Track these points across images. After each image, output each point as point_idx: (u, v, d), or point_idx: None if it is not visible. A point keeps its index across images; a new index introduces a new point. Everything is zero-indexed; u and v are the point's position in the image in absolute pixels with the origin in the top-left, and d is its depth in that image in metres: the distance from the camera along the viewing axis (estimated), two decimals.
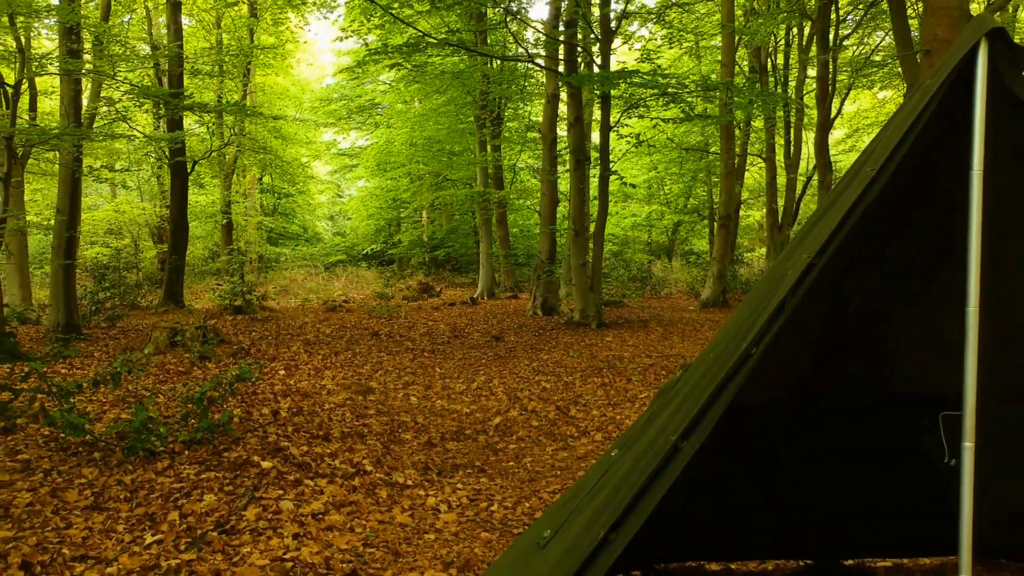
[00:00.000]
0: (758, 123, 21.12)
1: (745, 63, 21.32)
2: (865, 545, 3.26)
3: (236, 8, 20.25)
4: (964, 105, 1.92)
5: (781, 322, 1.89)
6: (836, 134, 28.48)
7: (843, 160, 30.01)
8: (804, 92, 20.12)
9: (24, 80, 10.70)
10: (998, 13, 14.50)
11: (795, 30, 20.03)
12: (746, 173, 24.72)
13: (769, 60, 20.99)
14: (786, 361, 2.48)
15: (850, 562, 3.36)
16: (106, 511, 4.04)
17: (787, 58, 21.17)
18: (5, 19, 10.00)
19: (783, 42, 21.09)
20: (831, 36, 18.06)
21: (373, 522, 3.97)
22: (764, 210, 22.90)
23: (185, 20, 19.20)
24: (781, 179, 21.55)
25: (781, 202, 20.87)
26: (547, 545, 2.00)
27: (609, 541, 1.81)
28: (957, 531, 2.65)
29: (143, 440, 4.89)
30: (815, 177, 18.84)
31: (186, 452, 4.99)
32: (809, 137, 22.57)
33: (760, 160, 23.36)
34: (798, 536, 3.17)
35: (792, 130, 20.45)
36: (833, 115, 20.90)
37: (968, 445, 1.94)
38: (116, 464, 4.76)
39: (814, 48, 17.23)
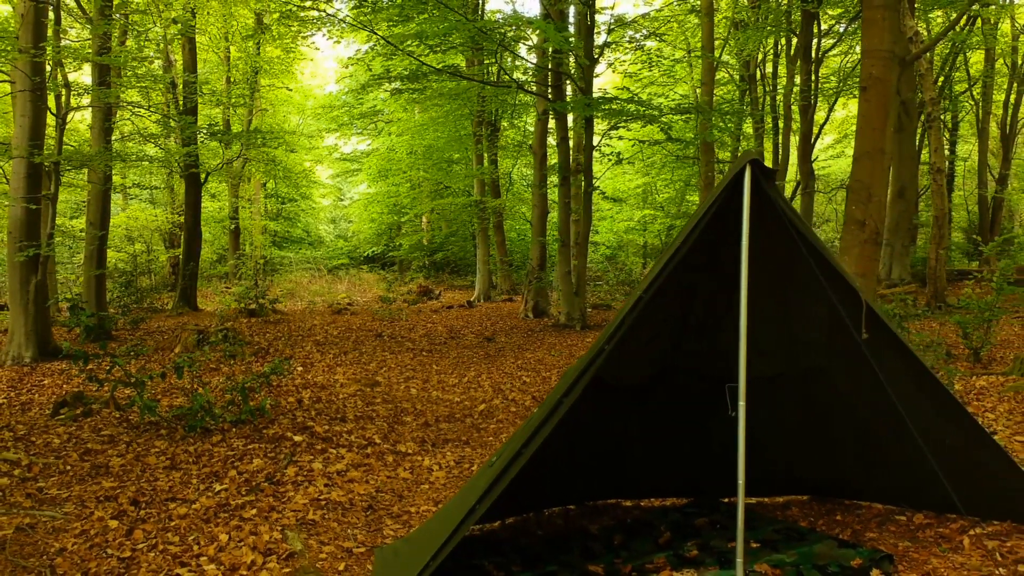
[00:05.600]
0: (748, 128, 22.04)
1: (736, 72, 22.35)
2: (732, 487, 4.55)
3: (243, 22, 21.39)
4: (738, 201, 3.19)
5: (622, 332, 3.16)
6: (827, 139, 29.57)
7: (832, 164, 31.09)
8: (792, 100, 20.99)
9: (68, 111, 12.00)
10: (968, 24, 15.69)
11: (783, 41, 21.11)
12: None
13: (758, 71, 22.04)
14: (640, 354, 3.78)
15: (727, 500, 4.65)
16: (181, 470, 5.34)
17: (775, 67, 22.23)
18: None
19: (772, 52, 22.12)
20: (814, 49, 19.29)
21: (383, 477, 5.28)
22: None
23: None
24: None
25: None
26: (493, 464, 3.29)
27: (522, 453, 3.08)
28: (786, 474, 3.99)
29: (200, 420, 6.19)
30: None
31: (233, 429, 6.31)
32: (797, 143, 23.59)
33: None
34: (680, 479, 4.48)
35: (780, 136, 21.43)
36: (821, 122, 22.12)
37: (741, 404, 3.21)
38: (180, 438, 6.08)
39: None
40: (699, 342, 3.96)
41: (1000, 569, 3.48)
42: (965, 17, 19.81)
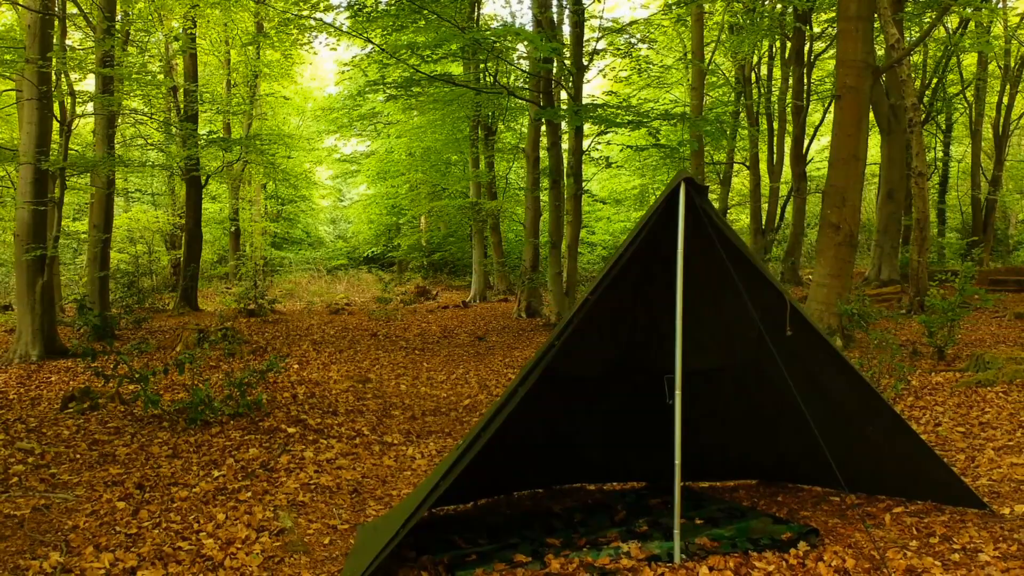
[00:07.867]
0: (744, 130, 22.37)
1: (731, 74, 22.67)
2: (687, 472, 4.97)
3: (243, 27, 21.74)
4: (674, 214, 3.60)
5: (570, 330, 3.59)
6: (823, 140, 29.82)
7: (827, 167, 31.38)
8: (787, 103, 21.23)
9: (73, 118, 12.45)
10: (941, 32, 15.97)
11: (777, 44, 21.46)
12: (734, 178, 26.09)
13: (753, 73, 22.37)
14: (592, 349, 4.20)
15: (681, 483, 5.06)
16: (182, 458, 5.76)
17: (770, 69, 22.57)
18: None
19: (766, 55, 22.45)
20: (806, 52, 19.64)
21: (369, 464, 5.71)
22: (749, 215, 24.08)
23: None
24: (766, 185, 22.94)
25: (765, 207, 22.43)
26: (458, 447, 3.72)
27: (480, 436, 3.51)
28: (727, 460, 4.40)
29: (200, 413, 6.62)
30: None
31: (231, 422, 6.74)
32: (790, 145, 23.84)
33: (745, 168, 24.56)
34: (638, 465, 4.91)
35: (775, 138, 21.78)
36: (816, 124, 22.47)
37: (678, 393, 3.63)
38: (181, 430, 6.50)
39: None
40: (648, 339, 4.38)
41: (913, 541, 3.89)
42: (957, 18, 20.18)
